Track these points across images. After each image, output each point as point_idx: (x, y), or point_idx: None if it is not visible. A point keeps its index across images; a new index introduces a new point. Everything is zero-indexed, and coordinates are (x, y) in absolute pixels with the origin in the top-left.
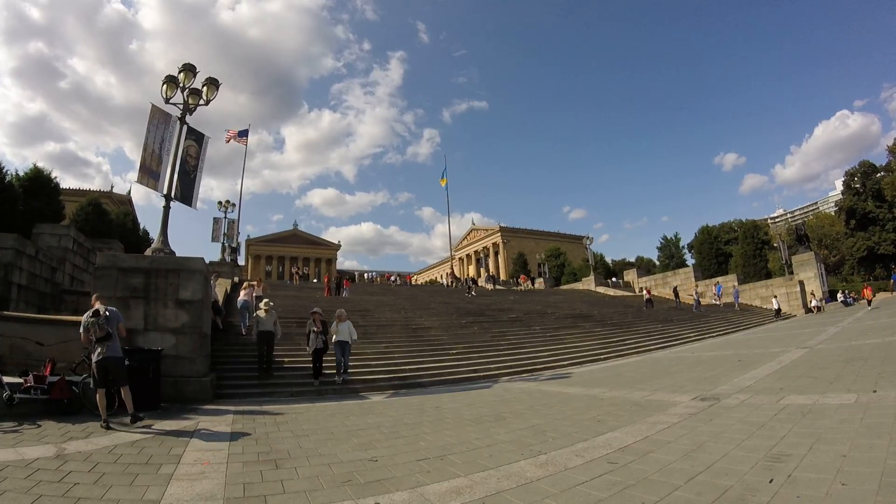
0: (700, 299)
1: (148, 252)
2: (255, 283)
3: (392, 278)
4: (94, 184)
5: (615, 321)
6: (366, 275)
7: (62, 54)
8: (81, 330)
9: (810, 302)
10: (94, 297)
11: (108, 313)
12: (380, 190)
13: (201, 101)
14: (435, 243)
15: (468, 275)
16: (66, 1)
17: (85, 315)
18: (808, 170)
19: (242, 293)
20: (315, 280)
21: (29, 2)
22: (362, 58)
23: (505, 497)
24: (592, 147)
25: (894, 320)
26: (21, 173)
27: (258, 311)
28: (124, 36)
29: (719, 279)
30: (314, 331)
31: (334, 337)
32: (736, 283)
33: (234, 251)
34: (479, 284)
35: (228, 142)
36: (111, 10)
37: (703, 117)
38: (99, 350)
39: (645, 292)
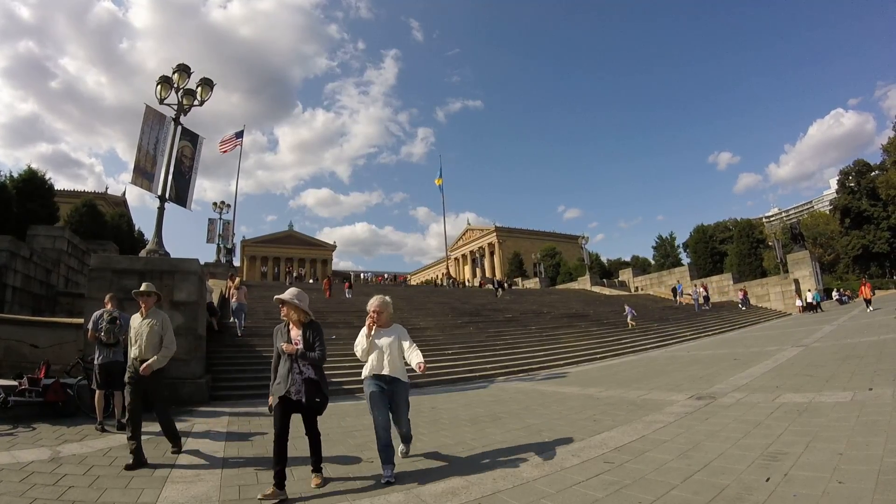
0: (699, 298)
1: (142, 253)
2: (230, 282)
3: (384, 278)
4: (88, 185)
5: (611, 320)
6: (362, 275)
7: (53, 54)
8: (91, 327)
9: (805, 299)
10: (107, 297)
11: (121, 322)
12: (374, 190)
13: (195, 102)
14: (430, 243)
15: (463, 275)
16: (55, 0)
17: (98, 313)
18: (802, 168)
19: (236, 294)
20: (311, 280)
21: (18, 0)
22: (356, 57)
23: (501, 497)
24: (587, 146)
25: (889, 318)
26: (15, 175)
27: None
28: (115, 35)
29: (714, 278)
30: (283, 349)
31: (368, 365)
32: (703, 282)
33: (230, 252)
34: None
35: (225, 152)
36: (101, 9)
37: (697, 116)
38: (105, 353)
39: (701, 289)
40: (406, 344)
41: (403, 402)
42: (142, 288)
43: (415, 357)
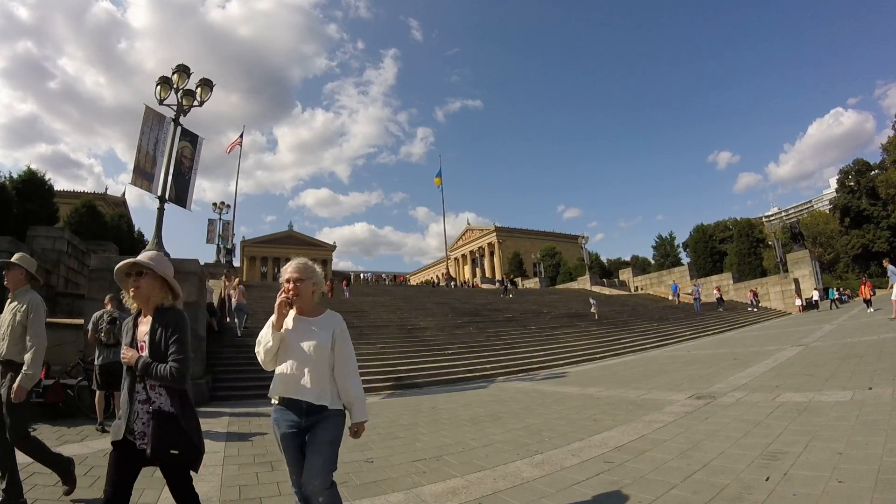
0: (700, 298)
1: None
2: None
3: (382, 277)
4: (87, 185)
5: (611, 320)
6: (361, 275)
7: (51, 54)
8: (90, 328)
9: (811, 297)
10: (107, 297)
11: (121, 322)
12: (374, 190)
13: (195, 103)
14: (430, 243)
15: (464, 275)
16: (54, 0)
17: (98, 314)
18: (802, 168)
19: (235, 294)
20: None
21: (17, 1)
22: (356, 56)
23: (501, 497)
24: (586, 146)
25: (889, 318)
26: (14, 176)
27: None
28: (113, 35)
29: (714, 278)
30: (122, 357)
31: (276, 380)
32: (696, 281)
33: (230, 252)
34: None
35: (230, 151)
36: (99, 10)
37: (697, 115)
38: (105, 354)
39: (715, 291)
40: (344, 350)
41: (325, 442)
42: (13, 258)
43: (353, 393)
